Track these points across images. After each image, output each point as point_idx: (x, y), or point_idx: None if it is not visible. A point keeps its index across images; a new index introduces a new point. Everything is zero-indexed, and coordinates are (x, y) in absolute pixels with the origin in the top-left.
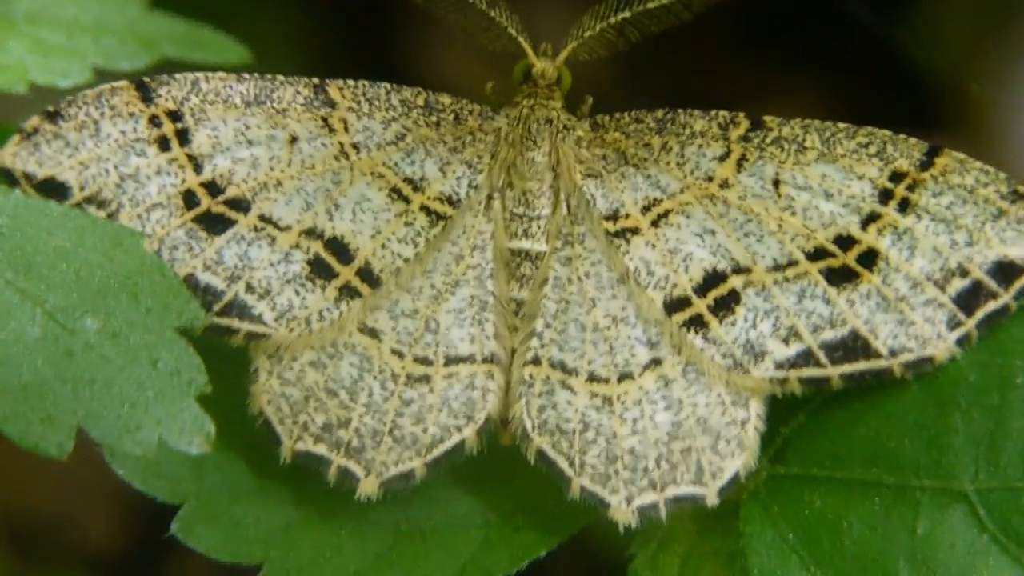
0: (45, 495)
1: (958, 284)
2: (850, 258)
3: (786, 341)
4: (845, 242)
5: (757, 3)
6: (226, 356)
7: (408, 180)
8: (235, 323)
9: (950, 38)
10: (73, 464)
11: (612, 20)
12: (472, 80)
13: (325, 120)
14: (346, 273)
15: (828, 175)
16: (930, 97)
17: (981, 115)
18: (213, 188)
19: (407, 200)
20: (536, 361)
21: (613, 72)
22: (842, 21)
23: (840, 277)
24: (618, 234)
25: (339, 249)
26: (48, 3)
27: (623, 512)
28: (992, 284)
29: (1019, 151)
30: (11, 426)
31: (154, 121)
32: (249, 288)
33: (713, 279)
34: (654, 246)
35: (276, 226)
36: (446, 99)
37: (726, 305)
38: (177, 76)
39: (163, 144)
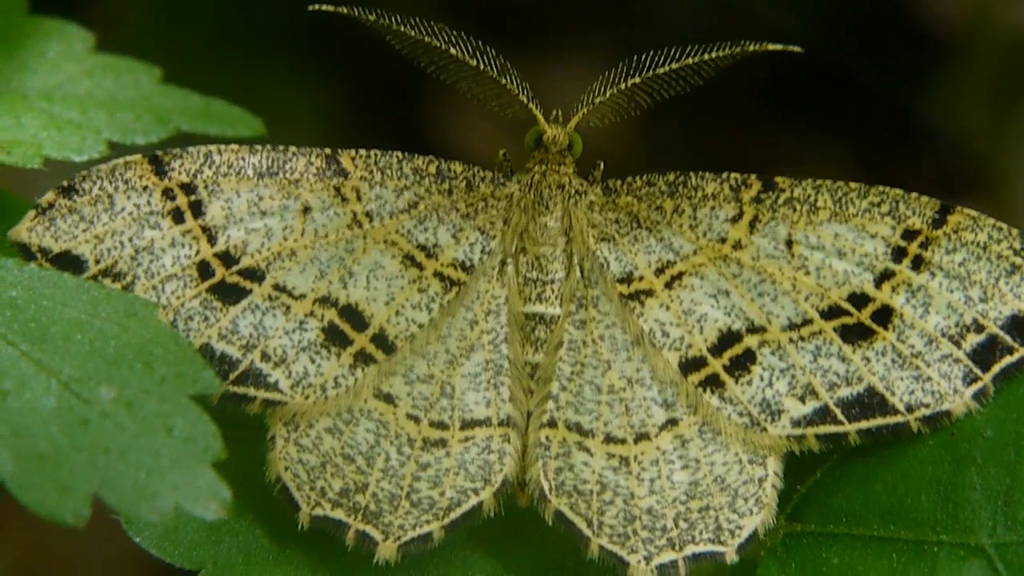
0: (67, 566)
1: (973, 339)
2: (865, 316)
3: (802, 399)
4: (859, 300)
5: (774, 74)
6: (243, 424)
7: (421, 247)
8: (251, 391)
9: (968, 105)
10: (95, 534)
11: (622, 86)
12: (496, 149)
13: (338, 190)
14: (361, 340)
15: (841, 234)
16: (949, 163)
17: (1000, 180)
18: (227, 259)
19: (420, 267)
20: (552, 423)
21: (631, 143)
22: (860, 90)
23: (855, 335)
24: (632, 296)
25: (353, 316)
26: (63, 79)
27: (642, 571)
28: (1007, 339)
29: None
30: (28, 495)
31: (168, 194)
32: (264, 356)
33: (728, 339)
34: (668, 308)
35: (290, 295)
36: (458, 166)
37: (742, 365)
38: (190, 149)
39: (177, 216)
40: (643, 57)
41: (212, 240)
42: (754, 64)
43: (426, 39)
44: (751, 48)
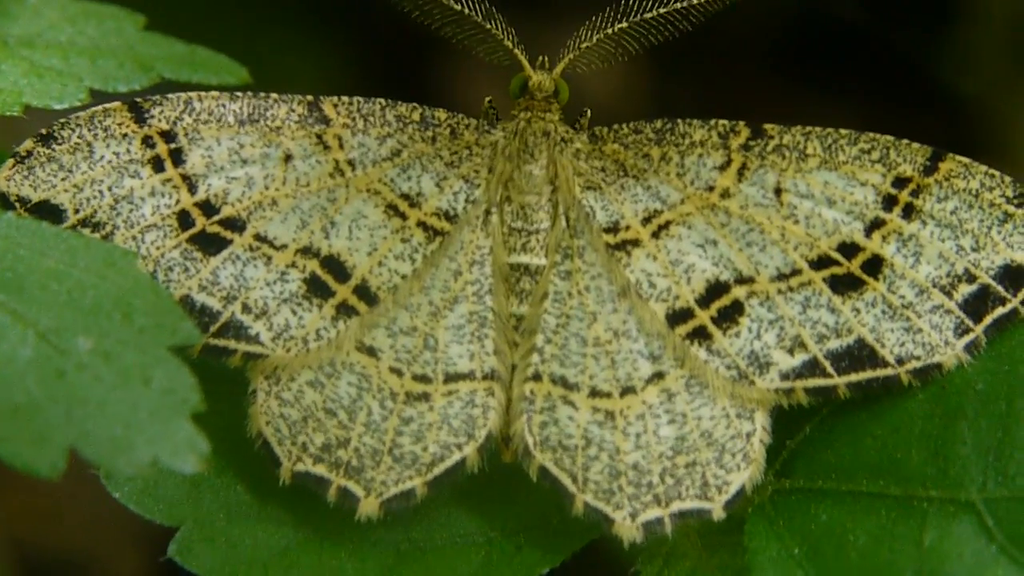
0: (71, 534)
1: (965, 290)
2: (854, 266)
3: (791, 351)
4: (849, 250)
5: (787, 34)
6: (225, 378)
7: (404, 196)
8: (232, 344)
9: (981, 63)
10: (99, 502)
11: (609, 31)
12: (503, 110)
13: (319, 137)
14: (343, 291)
15: (830, 182)
16: (961, 121)
17: (1012, 138)
18: (208, 208)
19: (404, 216)
20: (537, 377)
21: (641, 105)
22: (872, 48)
23: (845, 285)
24: (618, 246)
25: (336, 267)
26: (44, 27)
27: (628, 528)
28: (1000, 289)
29: None
30: (3, 447)
31: (147, 142)
32: (245, 308)
33: (716, 290)
34: (655, 258)
35: (272, 245)
36: (442, 114)
37: (729, 316)
38: (170, 96)
39: (157, 165)
40: (631, 2)
41: (192, 189)
42: (766, 24)
43: None
44: None
